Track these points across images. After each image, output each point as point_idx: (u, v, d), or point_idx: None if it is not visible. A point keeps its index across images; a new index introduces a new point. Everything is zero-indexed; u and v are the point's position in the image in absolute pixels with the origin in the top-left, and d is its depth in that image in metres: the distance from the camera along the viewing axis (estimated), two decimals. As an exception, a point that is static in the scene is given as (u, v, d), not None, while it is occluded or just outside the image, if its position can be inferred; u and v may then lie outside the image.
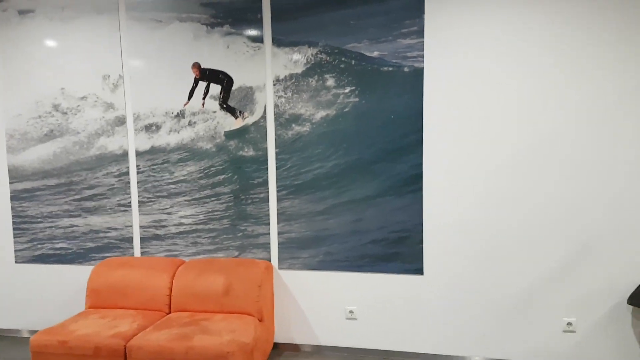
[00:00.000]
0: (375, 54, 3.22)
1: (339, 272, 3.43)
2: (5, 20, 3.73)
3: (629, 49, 2.92)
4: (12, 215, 3.89)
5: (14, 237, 3.91)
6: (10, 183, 3.87)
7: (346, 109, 3.31)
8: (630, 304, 2.98)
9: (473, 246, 3.22)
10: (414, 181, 3.26)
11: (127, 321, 3.17)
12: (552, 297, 3.15)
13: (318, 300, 3.48)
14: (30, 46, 3.72)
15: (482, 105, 3.12)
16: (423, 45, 3.15)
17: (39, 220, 3.86)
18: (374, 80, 3.25)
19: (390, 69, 3.22)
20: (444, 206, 3.23)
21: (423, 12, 3.13)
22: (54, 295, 3.88)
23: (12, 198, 3.87)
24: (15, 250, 3.92)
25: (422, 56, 3.16)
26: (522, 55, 3.04)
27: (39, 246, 3.87)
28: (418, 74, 3.18)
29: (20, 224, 3.89)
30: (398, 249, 3.32)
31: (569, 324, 3.14)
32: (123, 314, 3.29)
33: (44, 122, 3.78)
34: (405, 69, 3.19)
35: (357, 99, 3.29)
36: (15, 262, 3.93)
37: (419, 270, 3.30)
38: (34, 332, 3.96)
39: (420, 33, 3.15)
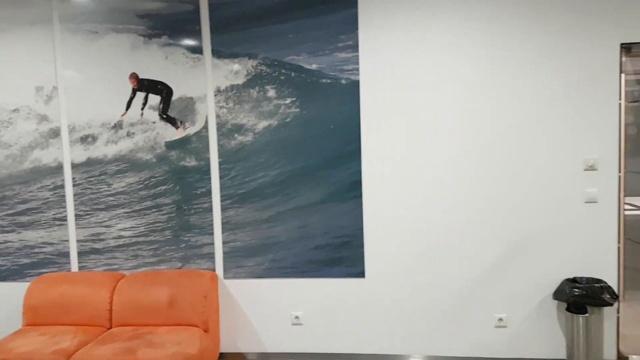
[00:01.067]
0: (314, 66, 3.33)
1: (285, 279, 3.49)
2: None
3: (553, 55, 3.19)
4: (-64, 234, 3.68)
5: (-61, 257, 3.69)
6: None
7: (288, 119, 3.40)
8: (555, 299, 3.23)
9: (411, 248, 3.38)
10: (354, 187, 3.38)
11: (68, 337, 3.08)
12: (486, 294, 3.35)
13: (264, 307, 3.53)
14: (-46, 55, 3.55)
15: (417, 114, 3.30)
16: (358, 59, 3.29)
17: (-33, 238, 3.67)
18: (314, 91, 3.35)
19: (329, 81, 3.33)
20: (382, 210, 3.38)
21: (357, 28, 3.28)
22: (-16, 316, 3.70)
23: (-64, 215, 3.67)
24: (-60, 271, 3.70)
25: (358, 69, 3.30)
26: (454, 66, 3.24)
27: (-33, 265, 3.68)
28: (354, 86, 3.31)
29: (-54, 242, 3.68)
30: (342, 253, 3.43)
31: (500, 319, 3.36)
32: (63, 331, 3.20)
33: (-29, 135, 3.61)
34: (343, 81, 3.32)
35: (298, 110, 3.38)
36: (-59, 283, 3.71)
37: (361, 274, 3.42)
38: (-38, 356, 3.75)
39: (355, 47, 3.29)
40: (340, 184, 3.40)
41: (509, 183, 3.27)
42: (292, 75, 3.36)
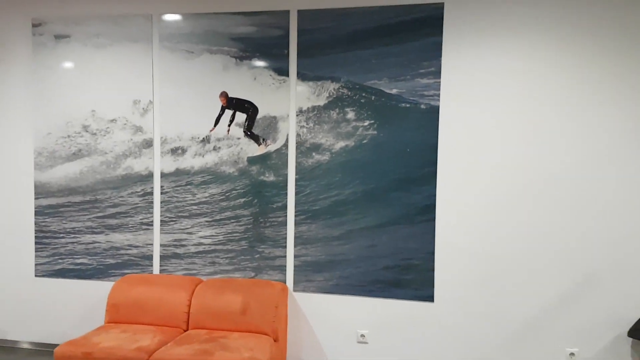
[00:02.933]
0: (394, 91, 3.45)
1: (352, 297, 3.57)
2: (41, 45, 3.95)
3: (629, 89, 3.16)
4: (35, 230, 4.02)
5: (35, 251, 4.03)
6: (35, 199, 4.01)
7: (365, 141, 3.52)
8: (630, 337, 3.13)
9: (481, 275, 3.38)
10: (426, 211, 3.44)
11: (148, 336, 3.28)
12: (556, 326, 3.29)
13: (330, 322, 3.61)
14: (64, 69, 3.92)
15: (493, 142, 3.34)
16: (439, 85, 3.39)
17: (61, 235, 3.99)
18: (392, 115, 3.47)
19: (408, 105, 3.44)
20: (454, 236, 3.41)
21: (440, 55, 3.38)
22: (72, 309, 3.98)
23: (36, 213, 4.02)
24: (36, 264, 4.03)
25: (438, 95, 3.39)
26: (530, 100, 3.27)
27: (60, 261, 4.00)
28: (434, 111, 3.40)
29: (42, 238, 4.02)
30: (410, 275, 3.48)
31: (572, 354, 3.28)
32: (143, 329, 3.40)
33: (73, 142, 3.96)
34: (422, 106, 3.42)
35: (375, 132, 3.50)
36: (35, 275, 4.04)
37: (430, 297, 3.45)
38: (50, 345, 4.04)
39: (437, 74, 3.38)
40: (411, 207, 3.47)
41: (582, 214, 3.23)
42: (372, 98, 3.49)
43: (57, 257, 4.00)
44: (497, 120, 3.33)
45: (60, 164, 3.97)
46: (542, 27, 3.25)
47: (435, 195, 3.43)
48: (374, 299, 3.54)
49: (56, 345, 4.02)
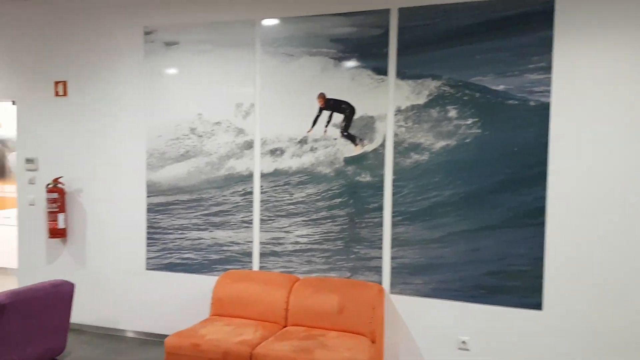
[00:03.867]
0: (501, 87, 3.29)
1: (453, 302, 3.45)
2: (153, 51, 4.24)
3: None
4: (147, 226, 4.32)
5: (147, 246, 4.33)
6: (147, 197, 4.32)
7: (467, 140, 3.39)
8: None
9: (595, 283, 3.11)
10: (535, 214, 3.24)
11: (250, 330, 3.39)
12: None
13: (429, 327, 3.51)
14: (172, 75, 4.19)
15: (611, 142, 3.07)
16: (550, 80, 3.17)
17: (170, 231, 4.26)
18: (498, 112, 3.31)
19: (516, 102, 3.26)
20: (567, 241, 3.17)
21: (551, 50, 3.17)
22: (178, 301, 4.23)
23: (148, 210, 4.31)
24: (147, 258, 4.33)
25: (549, 91, 3.18)
26: (658, 91, 2.97)
27: (168, 255, 4.26)
28: (544, 108, 3.19)
29: (154, 234, 4.31)
30: (515, 282, 3.29)
31: None
32: (245, 323, 3.53)
33: (181, 144, 4.21)
34: (531, 103, 3.22)
35: (479, 131, 3.36)
36: (146, 268, 4.34)
37: (538, 305, 3.24)
38: (158, 335, 4.32)
39: (548, 69, 3.18)
40: (518, 210, 3.28)
41: None
42: (477, 95, 3.36)
43: (166, 252, 4.27)
44: (614, 118, 3.06)
45: (170, 165, 4.24)
46: (673, 12, 2.94)
47: (544, 198, 3.21)
48: (477, 304, 3.39)
49: (164, 335, 4.29)
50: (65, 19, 4.47)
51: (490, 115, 3.34)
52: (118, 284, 4.44)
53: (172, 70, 4.19)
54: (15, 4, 4.60)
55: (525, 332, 3.28)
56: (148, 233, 4.33)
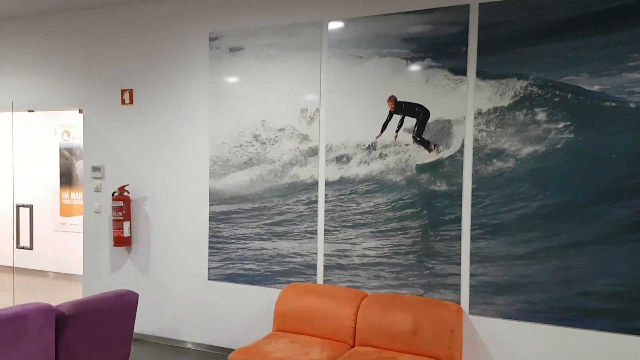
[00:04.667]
0: (596, 87, 2.94)
1: (541, 325, 3.10)
2: (217, 57, 4.16)
3: None
4: (209, 235, 4.23)
5: (209, 256, 4.23)
6: (209, 205, 4.22)
7: (558, 145, 3.05)
8: None
9: None
10: (635, 229, 2.85)
11: (317, 349, 3.18)
12: None
13: (514, 352, 3.18)
14: (237, 81, 4.08)
15: None
16: (656, 77, 2.80)
17: (232, 241, 4.13)
18: (593, 115, 2.96)
19: (613, 104, 2.91)
20: (680, 261, 2.77)
21: (658, 42, 2.80)
22: (240, 313, 4.09)
23: (210, 219, 4.22)
24: (209, 268, 4.23)
25: (655, 90, 2.81)
26: None
27: (230, 266, 4.14)
28: (649, 109, 2.82)
29: (216, 243, 4.20)
30: (614, 304, 2.91)
31: None
32: (310, 341, 3.32)
33: (244, 151, 4.09)
34: (632, 105, 2.86)
35: (571, 135, 3.02)
36: (208, 279, 4.23)
37: (638, 331, 2.84)
38: (219, 348, 4.19)
39: (654, 64, 2.81)
40: (617, 223, 2.91)
41: None
42: (568, 97, 3.02)
43: (228, 262, 4.15)
44: None
45: (233, 172, 4.13)
46: None
47: (651, 211, 2.83)
48: (568, 328, 3.03)
49: (224, 348, 4.15)
50: (131, 27, 4.49)
51: (584, 118, 2.99)
52: (181, 294, 4.36)
53: (236, 76, 4.09)
54: (83, 12, 4.67)
55: (629, 364, 2.89)
56: (210, 242, 4.23)
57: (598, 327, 2.95)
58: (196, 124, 4.28)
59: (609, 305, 2.93)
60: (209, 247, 4.23)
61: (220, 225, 4.19)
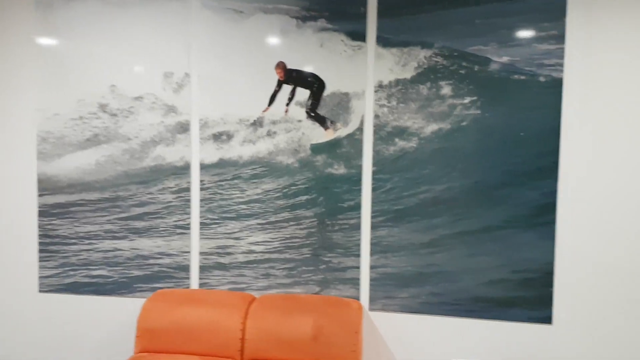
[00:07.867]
0: (505, 59, 2.74)
1: (448, 318, 2.87)
2: (48, 4, 3.14)
3: None
4: (39, 235, 3.24)
5: (40, 261, 3.25)
6: (39, 196, 3.23)
7: (464, 123, 2.81)
8: None
9: (613, 292, 2.71)
10: (545, 212, 2.75)
11: (198, 374, 2.55)
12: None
13: (419, 350, 2.92)
14: (77, 35, 3.13)
15: (635, 128, 2.65)
16: (563, 52, 2.68)
17: (73, 241, 3.22)
18: (502, 90, 2.77)
19: (523, 77, 2.73)
20: (580, 243, 2.72)
21: (565, 15, 2.67)
22: (88, 333, 3.22)
23: (41, 214, 3.23)
24: (40, 277, 3.26)
25: (562, 65, 2.69)
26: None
27: (71, 273, 3.23)
28: (556, 84, 2.70)
29: (49, 245, 3.24)
30: (522, 292, 2.79)
31: None
32: (188, 364, 2.67)
33: (87, 125, 3.18)
34: (541, 79, 2.71)
35: (478, 112, 2.79)
36: (39, 290, 3.26)
37: (547, 319, 2.77)
38: (57, 377, 3.28)
39: (561, 38, 2.68)
40: (525, 206, 2.77)
41: None
42: (476, 69, 2.78)
43: (67, 269, 3.22)
44: None
45: (71, 153, 3.19)
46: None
47: (556, 192, 2.73)
48: (475, 320, 2.85)
49: (67, 377, 3.25)
50: None
51: (492, 93, 2.78)
52: (2, 311, 3.31)
53: (73, 27, 3.13)
54: None
55: (533, 351, 2.80)
56: (41, 244, 3.24)
57: (507, 318, 2.81)
58: (16, 89, 3.22)
59: (516, 293, 2.80)
60: (40, 251, 3.24)
61: (55, 222, 3.23)
